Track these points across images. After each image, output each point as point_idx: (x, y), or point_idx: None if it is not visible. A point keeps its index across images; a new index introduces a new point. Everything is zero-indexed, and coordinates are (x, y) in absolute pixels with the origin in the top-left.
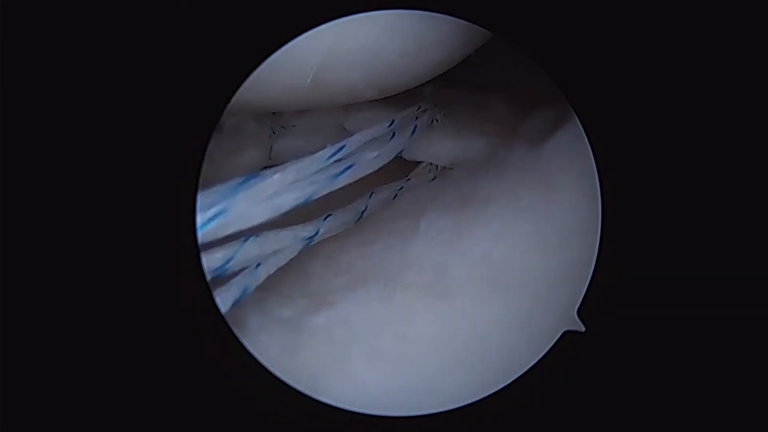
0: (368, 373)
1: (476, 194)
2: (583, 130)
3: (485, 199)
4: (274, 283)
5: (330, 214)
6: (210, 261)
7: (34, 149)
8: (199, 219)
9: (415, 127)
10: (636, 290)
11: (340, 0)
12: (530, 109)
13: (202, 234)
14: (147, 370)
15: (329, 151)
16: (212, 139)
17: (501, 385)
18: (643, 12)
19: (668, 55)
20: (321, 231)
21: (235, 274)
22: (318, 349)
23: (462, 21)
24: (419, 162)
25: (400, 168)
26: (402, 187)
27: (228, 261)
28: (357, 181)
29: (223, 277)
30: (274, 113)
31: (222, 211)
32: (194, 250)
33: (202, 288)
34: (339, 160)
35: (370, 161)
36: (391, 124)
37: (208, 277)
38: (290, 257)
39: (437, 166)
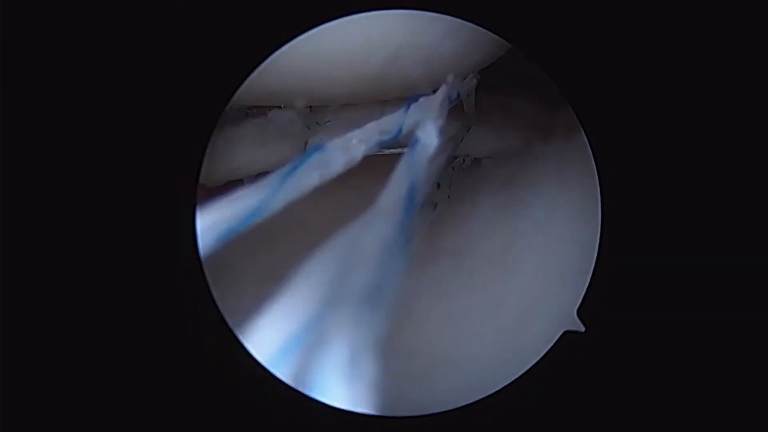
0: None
1: (520, 179)
2: (585, 138)
3: (531, 181)
4: None
5: None
6: (385, 127)
7: (34, 149)
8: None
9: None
10: (636, 290)
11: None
12: (559, 105)
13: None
14: (147, 369)
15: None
16: (237, 128)
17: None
18: (645, 22)
19: (668, 65)
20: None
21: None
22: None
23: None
24: (456, 156)
25: None
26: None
27: (400, 128)
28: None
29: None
30: (310, 108)
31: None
32: (194, 250)
33: (202, 288)
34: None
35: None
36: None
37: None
38: None
39: (473, 157)
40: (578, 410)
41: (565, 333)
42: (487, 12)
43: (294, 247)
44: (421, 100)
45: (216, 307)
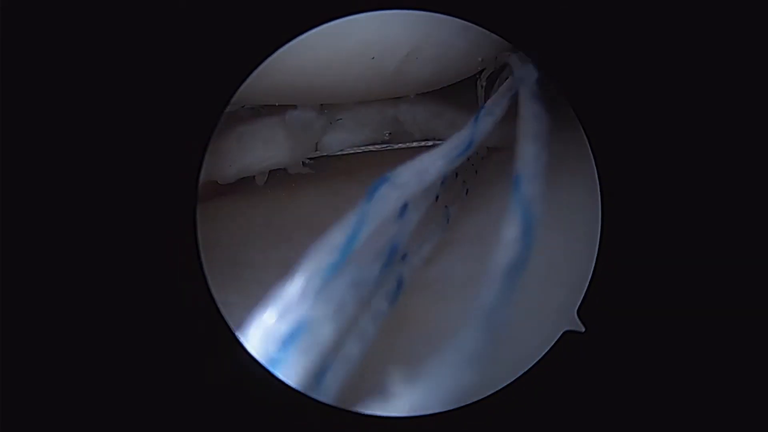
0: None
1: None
2: (586, 138)
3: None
4: None
5: None
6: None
7: (34, 149)
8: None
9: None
10: (636, 290)
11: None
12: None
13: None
14: (147, 369)
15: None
16: (249, 126)
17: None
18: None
19: (668, 64)
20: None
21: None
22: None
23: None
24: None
25: None
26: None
27: (471, 139)
28: None
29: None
30: (322, 106)
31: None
32: (194, 248)
33: (201, 288)
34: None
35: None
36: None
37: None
38: None
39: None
40: (578, 410)
41: (565, 333)
42: (491, 14)
43: (304, 242)
44: (488, 103)
45: (216, 307)
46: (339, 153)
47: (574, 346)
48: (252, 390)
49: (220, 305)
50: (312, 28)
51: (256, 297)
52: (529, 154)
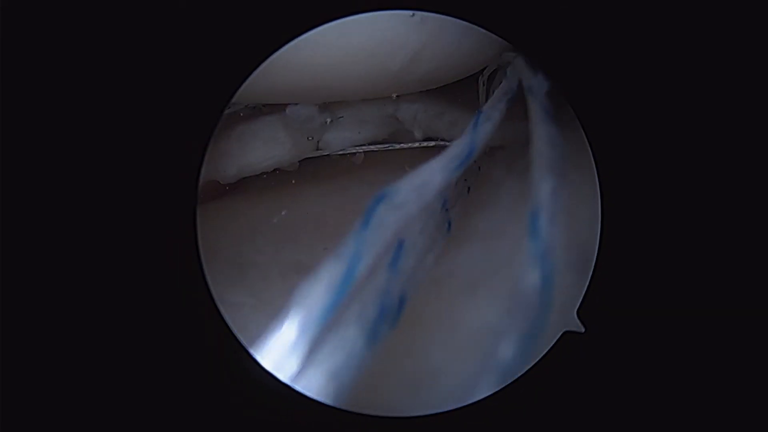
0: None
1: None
2: (585, 138)
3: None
4: None
5: None
6: (451, 158)
7: (34, 150)
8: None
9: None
10: (636, 290)
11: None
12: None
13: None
14: (147, 369)
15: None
16: (250, 125)
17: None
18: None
19: (667, 65)
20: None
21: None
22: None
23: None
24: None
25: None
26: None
27: (471, 148)
28: None
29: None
30: (323, 104)
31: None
32: (194, 248)
33: (202, 288)
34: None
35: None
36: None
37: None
38: None
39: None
40: (578, 410)
41: (565, 333)
42: (493, 16)
43: (313, 241)
44: (486, 107)
45: (216, 307)
46: (341, 152)
47: (574, 346)
48: (252, 389)
49: (220, 305)
50: (312, 29)
51: (258, 297)
52: (545, 191)
